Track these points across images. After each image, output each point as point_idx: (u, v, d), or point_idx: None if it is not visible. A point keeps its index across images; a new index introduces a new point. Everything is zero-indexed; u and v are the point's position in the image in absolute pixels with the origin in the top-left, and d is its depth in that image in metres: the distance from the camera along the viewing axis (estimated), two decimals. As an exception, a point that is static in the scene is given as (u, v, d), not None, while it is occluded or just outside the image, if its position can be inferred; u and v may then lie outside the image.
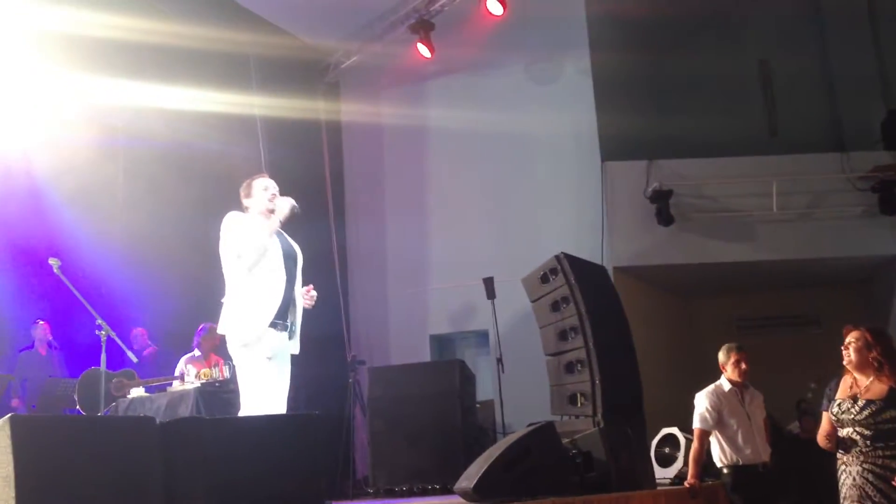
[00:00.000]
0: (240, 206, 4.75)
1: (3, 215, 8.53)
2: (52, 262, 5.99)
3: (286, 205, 4.65)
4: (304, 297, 4.76)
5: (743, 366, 5.03)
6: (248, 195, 4.75)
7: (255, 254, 4.48)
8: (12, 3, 6.89)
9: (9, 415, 3.09)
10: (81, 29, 7.05)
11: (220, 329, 4.61)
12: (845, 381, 4.11)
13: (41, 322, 7.90)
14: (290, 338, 4.70)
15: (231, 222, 4.60)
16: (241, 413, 4.52)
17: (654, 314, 9.07)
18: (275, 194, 4.72)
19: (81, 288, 6.17)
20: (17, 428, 3.01)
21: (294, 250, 4.77)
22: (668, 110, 8.76)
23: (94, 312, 5.95)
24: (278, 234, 4.69)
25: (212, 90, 8.23)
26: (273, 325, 4.51)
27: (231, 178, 8.91)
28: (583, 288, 6.25)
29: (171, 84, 7.90)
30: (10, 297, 8.22)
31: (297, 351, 4.76)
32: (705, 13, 9.12)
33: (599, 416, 5.74)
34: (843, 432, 4.01)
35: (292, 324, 4.69)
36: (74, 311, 6.98)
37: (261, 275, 4.51)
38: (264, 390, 4.50)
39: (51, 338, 8.05)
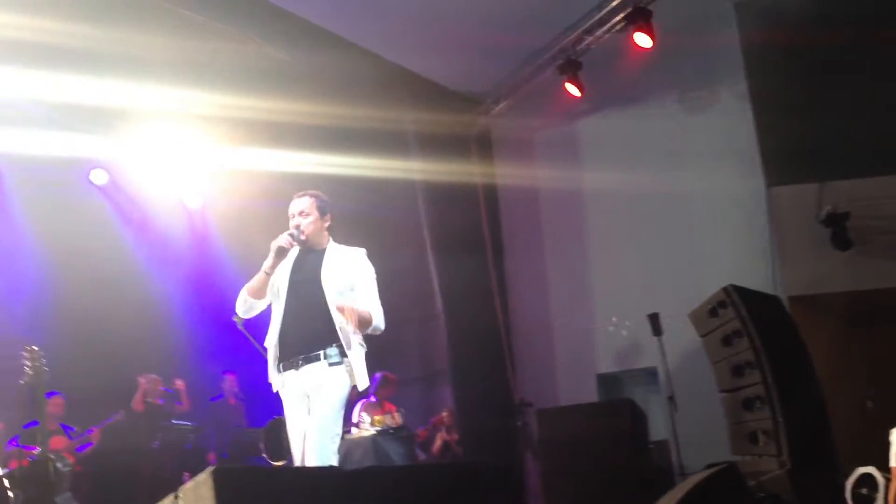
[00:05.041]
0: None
1: (193, 276, 9.31)
2: (236, 319, 6.38)
3: None
4: None
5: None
6: None
7: None
8: (205, 92, 7.65)
9: (210, 468, 3.33)
10: (257, 113, 7.82)
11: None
12: None
13: (229, 375, 8.46)
14: None
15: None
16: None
17: (838, 344, 8.53)
18: None
19: (261, 340, 6.57)
20: (218, 480, 3.24)
21: None
22: (837, 130, 8.30)
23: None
24: None
25: (373, 157, 8.75)
26: None
27: (392, 240, 9.36)
28: (756, 320, 5.99)
29: (337, 154, 8.40)
30: (201, 352, 8.89)
31: None
32: (869, 33, 8.63)
33: (785, 455, 5.45)
34: None
35: None
36: (256, 363, 7.44)
37: None
38: None
39: (237, 389, 8.59)
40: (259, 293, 4.48)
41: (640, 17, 7.96)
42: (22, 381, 6.15)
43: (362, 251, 4.60)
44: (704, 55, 8.87)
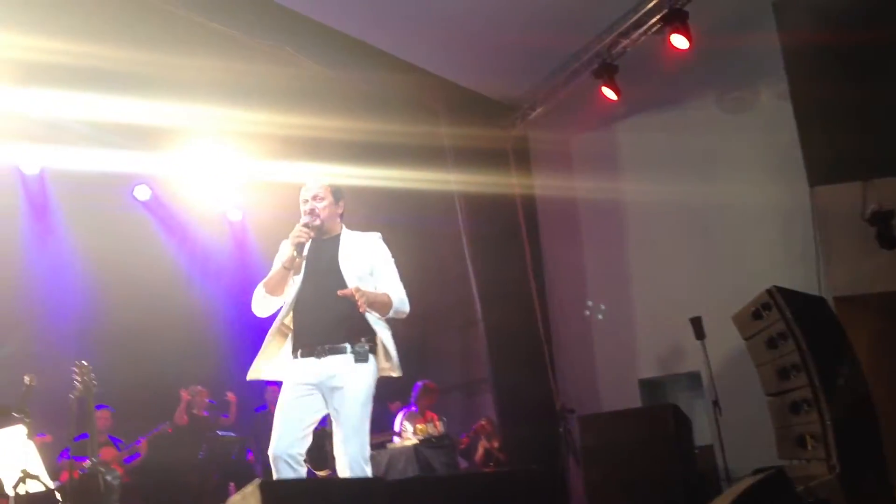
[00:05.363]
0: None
1: (235, 287, 9.41)
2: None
3: None
4: None
5: None
6: None
7: None
8: (244, 110, 7.89)
9: (257, 480, 3.35)
10: (295, 129, 8.00)
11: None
12: None
13: (272, 386, 8.53)
14: None
15: None
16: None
17: (886, 345, 8.36)
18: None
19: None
20: (266, 492, 3.26)
21: None
22: (881, 128, 8.17)
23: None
24: None
25: (410, 170, 8.82)
26: None
27: (432, 249, 9.37)
28: (801, 322, 5.91)
29: (375, 167, 8.52)
30: (245, 363, 8.97)
31: None
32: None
33: (835, 459, 5.35)
34: None
35: None
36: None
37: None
38: None
39: (280, 401, 8.66)
40: (277, 289, 4.37)
41: (676, 19, 7.87)
42: (72, 395, 6.28)
43: (377, 235, 4.51)
44: (743, 55, 8.76)
